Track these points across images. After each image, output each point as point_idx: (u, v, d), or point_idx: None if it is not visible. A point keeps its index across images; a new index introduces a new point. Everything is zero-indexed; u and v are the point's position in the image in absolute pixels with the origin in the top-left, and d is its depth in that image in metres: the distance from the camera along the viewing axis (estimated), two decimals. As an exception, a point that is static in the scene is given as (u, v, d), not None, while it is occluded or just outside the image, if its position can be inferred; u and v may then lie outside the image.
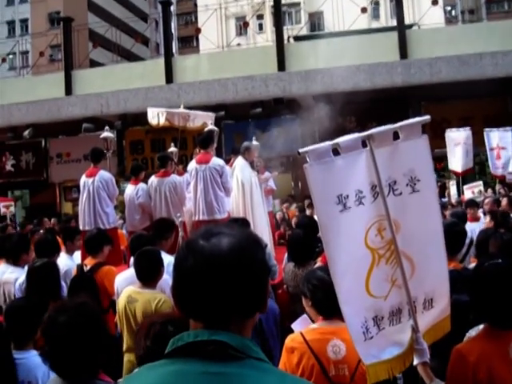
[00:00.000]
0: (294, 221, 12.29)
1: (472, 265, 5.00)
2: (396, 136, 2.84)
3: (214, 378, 1.39)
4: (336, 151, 2.71)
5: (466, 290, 3.27)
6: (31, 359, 3.32)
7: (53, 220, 15.17)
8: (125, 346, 4.60)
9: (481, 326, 2.98)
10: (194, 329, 1.49)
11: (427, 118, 2.91)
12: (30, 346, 3.44)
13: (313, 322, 3.61)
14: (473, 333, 3.08)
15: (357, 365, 3.18)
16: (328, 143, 2.68)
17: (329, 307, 3.38)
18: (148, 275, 4.65)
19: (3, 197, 20.20)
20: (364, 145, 2.75)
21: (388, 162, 2.77)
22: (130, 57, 30.44)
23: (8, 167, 21.81)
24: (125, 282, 5.14)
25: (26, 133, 18.84)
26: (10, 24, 50.47)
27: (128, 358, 4.45)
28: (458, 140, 13.36)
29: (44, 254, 5.68)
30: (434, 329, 3.08)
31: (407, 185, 2.83)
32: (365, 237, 2.76)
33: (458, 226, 4.88)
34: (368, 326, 2.82)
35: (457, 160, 13.36)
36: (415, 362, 2.93)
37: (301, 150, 2.64)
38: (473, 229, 7.39)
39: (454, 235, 4.45)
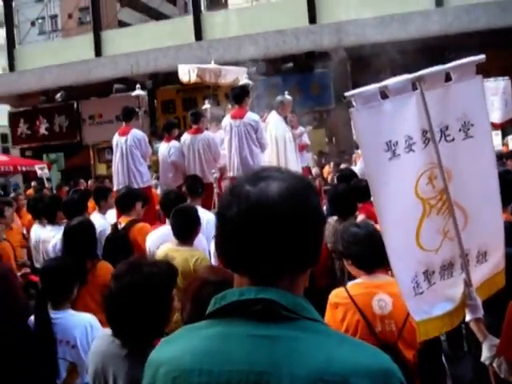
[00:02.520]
0: (329, 177, 12.16)
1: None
2: (448, 78, 2.64)
3: (262, 342, 1.24)
4: (384, 94, 2.53)
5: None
6: (68, 319, 3.29)
7: (90, 181, 15.28)
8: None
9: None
10: (239, 285, 1.33)
11: (482, 57, 2.70)
12: (67, 306, 3.40)
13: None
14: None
15: (405, 320, 3.05)
16: (376, 85, 2.50)
17: (368, 261, 3.27)
18: (185, 232, 4.54)
19: (38, 160, 20.38)
20: (414, 87, 2.57)
21: (440, 105, 2.58)
22: (159, 16, 30.10)
23: (42, 131, 21.88)
24: (157, 241, 5.04)
25: (58, 96, 18.86)
26: (39, -12, 50.29)
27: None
28: (495, 90, 12.93)
29: (71, 213, 5.65)
30: (488, 283, 2.93)
31: (460, 130, 2.65)
32: (415, 186, 2.60)
33: (509, 175, 4.64)
34: (418, 281, 2.69)
35: (495, 111, 12.96)
36: (467, 318, 2.80)
37: (346, 94, 2.47)
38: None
39: (505, 184, 4.22)
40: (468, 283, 2.79)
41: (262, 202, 1.28)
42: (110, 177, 11.35)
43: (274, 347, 1.23)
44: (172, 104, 20.28)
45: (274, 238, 1.27)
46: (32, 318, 3.30)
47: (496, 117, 12.99)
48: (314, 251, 1.35)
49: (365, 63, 14.88)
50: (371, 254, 3.18)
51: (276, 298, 1.26)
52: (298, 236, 1.29)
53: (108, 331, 2.57)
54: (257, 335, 1.24)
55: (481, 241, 2.84)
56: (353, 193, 5.45)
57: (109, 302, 2.50)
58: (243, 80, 10.14)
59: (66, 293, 3.41)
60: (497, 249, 2.91)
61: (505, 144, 12.11)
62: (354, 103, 2.51)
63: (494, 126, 13.18)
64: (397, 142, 2.52)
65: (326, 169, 14.55)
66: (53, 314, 3.25)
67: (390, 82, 2.54)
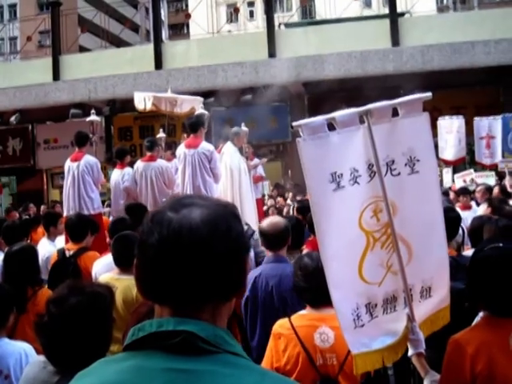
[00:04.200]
0: (285, 210, 12.17)
1: (467, 252, 4.87)
2: (395, 113, 2.68)
3: (179, 376, 1.18)
4: (332, 126, 2.54)
5: (464, 276, 3.13)
6: (3, 347, 3.15)
7: (42, 207, 14.97)
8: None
9: (480, 315, 2.84)
10: (159, 316, 1.28)
11: (428, 94, 2.75)
12: (2, 334, 3.26)
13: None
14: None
15: (347, 355, 3.03)
16: (323, 117, 2.51)
17: (311, 295, 3.26)
18: (126, 260, 4.40)
19: (-11, 183, 19.95)
20: (361, 121, 2.59)
21: (386, 139, 2.61)
22: (120, 43, 30.10)
23: (-6, 153, 21.48)
24: (103, 268, 4.94)
25: (12, 118, 18.54)
26: (-2, 9, 49.87)
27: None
28: (450, 128, 13.26)
29: (11, 239, 5.50)
30: (432, 319, 2.94)
31: (406, 165, 2.68)
32: (359, 218, 2.60)
33: (452, 212, 4.74)
34: (360, 314, 2.68)
35: (448, 148, 13.26)
36: (410, 353, 2.80)
37: (294, 124, 2.47)
38: (465, 217, 7.25)
39: (448, 221, 4.29)
40: (411, 318, 2.79)
41: (184, 227, 1.24)
42: (62, 202, 11.17)
43: (191, 382, 1.18)
44: (129, 131, 20.17)
45: (195, 265, 1.23)
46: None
47: (449, 154, 13.29)
48: (236, 280, 1.32)
49: (322, 98, 15.14)
50: (316, 289, 3.16)
51: (196, 330, 1.21)
52: (220, 263, 1.26)
53: (41, 358, 2.49)
54: (173, 369, 1.19)
55: (425, 276, 2.85)
56: (307, 225, 5.46)
57: (48, 327, 2.41)
58: (199, 110, 10.15)
59: (1, 320, 3.26)
60: (442, 285, 2.92)
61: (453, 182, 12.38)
62: (301, 133, 2.52)
63: (447, 164, 13.48)
64: (342, 174, 2.53)
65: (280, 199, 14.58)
66: (-14, 343, 3.12)
67: (338, 114, 2.56)
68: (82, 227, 5.88)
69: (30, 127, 21.05)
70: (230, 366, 1.21)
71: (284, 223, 4.58)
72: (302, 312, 3.34)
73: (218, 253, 1.25)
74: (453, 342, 2.62)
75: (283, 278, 4.17)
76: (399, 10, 18.69)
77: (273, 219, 4.76)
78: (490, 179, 11.92)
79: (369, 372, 3.12)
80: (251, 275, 4.31)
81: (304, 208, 6.75)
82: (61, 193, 19.31)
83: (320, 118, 2.54)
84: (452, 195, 10.17)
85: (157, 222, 1.28)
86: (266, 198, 13.66)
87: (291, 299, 4.07)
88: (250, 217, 8.24)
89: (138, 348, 1.25)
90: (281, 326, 3.29)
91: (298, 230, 5.36)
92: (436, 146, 13.14)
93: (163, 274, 1.24)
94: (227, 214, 1.33)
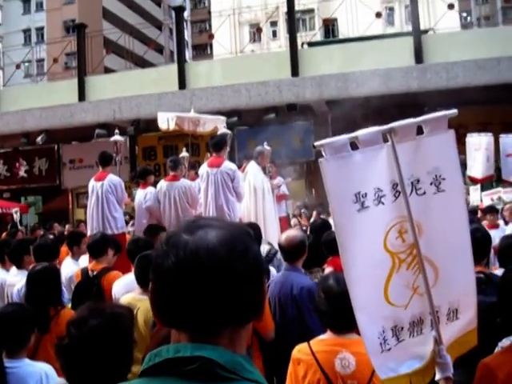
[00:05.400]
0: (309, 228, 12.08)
1: (495, 271, 4.76)
2: (420, 131, 2.62)
3: None
4: (354, 145, 2.49)
5: (495, 291, 3.04)
6: (24, 368, 3.14)
7: (67, 226, 15.10)
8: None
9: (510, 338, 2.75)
10: (176, 341, 1.25)
11: (454, 111, 2.68)
12: (23, 355, 3.26)
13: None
14: (507, 342, 2.84)
15: (368, 381, 2.94)
16: (346, 136, 2.46)
17: (334, 319, 3.14)
18: (148, 280, 4.39)
19: (17, 202, 20.17)
20: (385, 139, 2.54)
21: (411, 158, 2.55)
22: (144, 64, 30.48)
23: (21, 173, 21.77)
24: (123, 288, 4.91)
25: (39, 139, 18.81)
26: (26, 32, 50.94)
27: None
28: (478, 145, 13.04)
29: (42, 258, 5.51)
30: (459, 342, 2.83)
31: (431, 184, 2.60)
32: (384, 239, 2.53)
33: (479, 232, 4.62)
34: (386, 337, 2.60)
35: (477, 166, 13.04)
36: (437, 377, 2.70)
37: (316, 144, 2.43)
38: (492, 236, 7.10)
39: (477, 241, 4.19)
40: (438, 341, 2.71)
41: (201, 249, 1.21)
42: (86, 222, 11.24)
43: None
44: (153, 151, 20.33)
45: (213, 288, 1.20)
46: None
47: (478, 172, 13.05)
48: (255, 302, 1.28)
49: (345, 116, 15.06)
50: (338, 314, 3.06)
51: (213, 356, 1.17)
52: (238, 285, 1.22)
53: (62, 380, 2.46)
54: None
55: (452, 298, 2.77)
56: (322, 245, 5.38)
57: (68, 349, 2.38)
58: (222, 129, 10.17)
59: (22, 341, 3.26)
60: (469, 307, 2.83)
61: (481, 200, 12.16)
62: (323, 153, 2.48)
63: (475, 181, 13.25)
64: (366, 194, 2.47)
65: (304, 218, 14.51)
66: (7, 363, 3.09)
67: (361, 133, 2.51)
68: (101, 243, 5.88)
69: (56, 147, 21.36)
70: None
71: (300, 237, 4.71)
72: (322, 337, 3.23)
73: (237, 274, 1.22)
74: (483, 366, 2.54)
75: (287, 284, 4.52)
76: (422, 27, 18.61)
77: (289, 233, 4.87)
78: (518, 197, 11.67)
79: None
80: None
81: (316, 227, 6.73)
82: (85, 212, 19.53)
83: (342, 138, 2.49)
84: (480, 213, 10.00)
85: (172, 245, 1.24)
86: (291, 216, 13.59)
87: (291, 306, 4.36)
88: (273, 236, 8.17)
89: (154, 374, 1.21)
90: (300, 350, 3.19)
91: (314, 248, 5.28)
92: (464, 164, 13.00)
93: (180, 297, 1.21)
94: (243, 235, 1.30)
